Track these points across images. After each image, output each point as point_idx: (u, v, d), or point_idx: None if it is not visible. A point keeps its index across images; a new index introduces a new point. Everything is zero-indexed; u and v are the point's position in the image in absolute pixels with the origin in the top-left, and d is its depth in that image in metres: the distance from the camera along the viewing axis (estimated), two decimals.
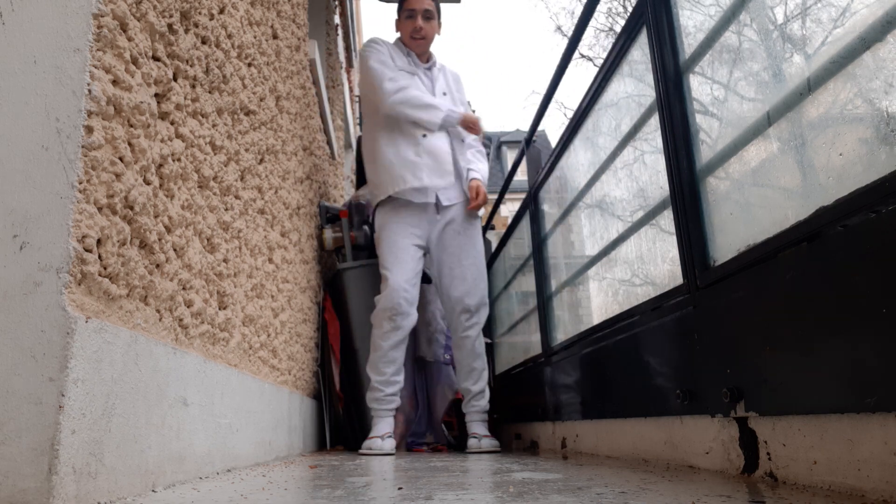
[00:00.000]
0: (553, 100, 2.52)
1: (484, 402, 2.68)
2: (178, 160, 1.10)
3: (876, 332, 0.78)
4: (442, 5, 2.93)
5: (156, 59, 1.01)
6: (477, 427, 2.64)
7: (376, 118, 2.67)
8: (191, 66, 1.17)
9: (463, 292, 2.62)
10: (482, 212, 2.83)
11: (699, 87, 1.34)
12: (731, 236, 1.20)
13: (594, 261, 2.02)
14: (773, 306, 0.99)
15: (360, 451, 2.41)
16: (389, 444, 2.42)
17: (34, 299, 0.72)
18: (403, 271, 2.56)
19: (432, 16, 2.77)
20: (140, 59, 0.93)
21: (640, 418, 1.54)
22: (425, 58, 2.83)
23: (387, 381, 2.56)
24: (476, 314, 2.65)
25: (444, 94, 2.79)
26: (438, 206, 2.67)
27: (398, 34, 2.83)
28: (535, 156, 2.85)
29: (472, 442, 2.56)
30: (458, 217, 2.68)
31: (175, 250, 1.09)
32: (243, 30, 1.57)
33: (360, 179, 3.49)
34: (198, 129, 1.20)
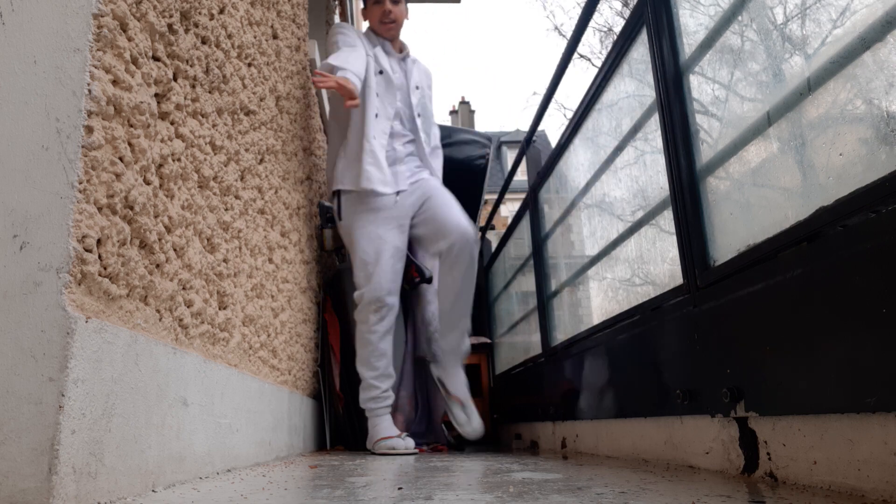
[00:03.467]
0: (553, 100, 2.52)
1: (467, 343, 2.59)
2: (178, 160, 1.10)
3: (876, 332, 0.78)
4: (441, 6, 2.92)
5: (156, 59, 1.01)
6: (460, 374, 2.53)
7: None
8: (191, 66, 1.17)
9: (461, 216, 2.50)
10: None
11: (699, 87, 1.34)
12: (731, 236, 1.20)
13: (594, 261, 2.02)
14: (773, 306, 0.99)
15: (384, 450, 2.35)
16: (411, 443, 2.40)
17: (34, 299, 0.72)
18: (382, 265, 2.46)
19: None
20: (140, 59, 0.93)
21: (640, 418, 1.54)
22: (398, 46, 2.75)
23: (381, 374, 2.47)
24: (476, 242, 2.50)
25: (417, 87, 2.73)
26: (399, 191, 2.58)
27: (366, 23, 2.73)
28: (535, 156, 2.85)
29: (459, 416, 2.46)
30: (429, 182, 2.61)
31: (175, 250, 1.09)
32: (243, 30, 1.57)
33: None
34: (198, 129, 1.20)
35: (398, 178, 2.59)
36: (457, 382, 2.56)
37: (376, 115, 2.57)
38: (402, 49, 2.78)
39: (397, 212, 2.55)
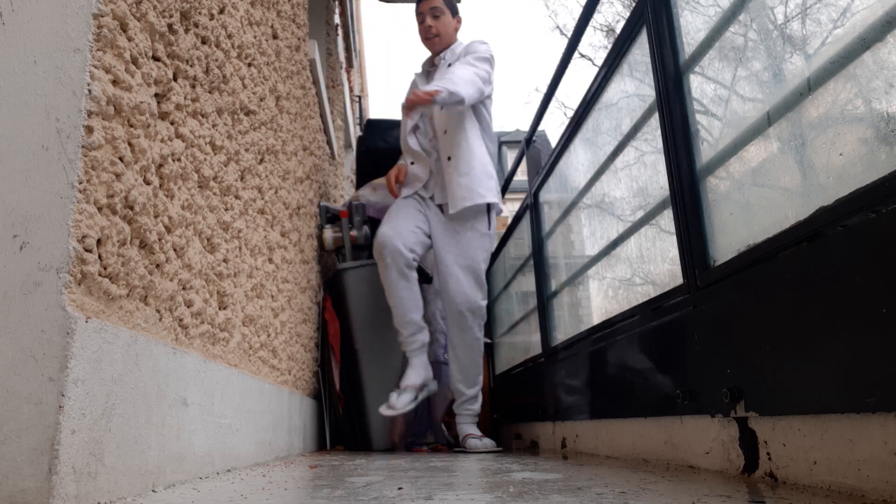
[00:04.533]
0: (553, 99, 2.52)
1: (477, 405, 2.72)
2: (178, 160, 1.10)
3: (876, 332, 0.78)
4: None
5: (156, 59, 1.01)
6: (472, 429, 2.65)
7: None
8: (191, 66, 1.17)
9: (465, 290, 2.64)
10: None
11: (699, 87, 1.34)
12: (731, 236, 1.20)
13: (594, 261, 2.02)
14: (773, 306, 0.99)
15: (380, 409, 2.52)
16: (402, 402, 2.47)
17: (34, 299, 0.72)
18: (392, 222, 2.66)
19: (441, 12, 2.77)
20: (140, 59, 0.93)
21: (640, 418, 1.54)
22: (440, 54, 2.82)
23: (400, 321, 2.63)
24: (478, 314, 2.67)
25: (449, 65, 2.78)
26: (443, 207, 2.71)
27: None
28: (535, 156, 2.85)
29: (474, 442, 2.55)
30: (461, 219, 2.70)
31: (175, 250, 1.09)
32: (243, 30, 1.57)
33: (361, 179, 3.49)
34: (198, 129, 1.20)
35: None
36: (470, 441, 2.65)
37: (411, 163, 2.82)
38: (443, 50, 2.81)
39: (424, 208, 2.76)
